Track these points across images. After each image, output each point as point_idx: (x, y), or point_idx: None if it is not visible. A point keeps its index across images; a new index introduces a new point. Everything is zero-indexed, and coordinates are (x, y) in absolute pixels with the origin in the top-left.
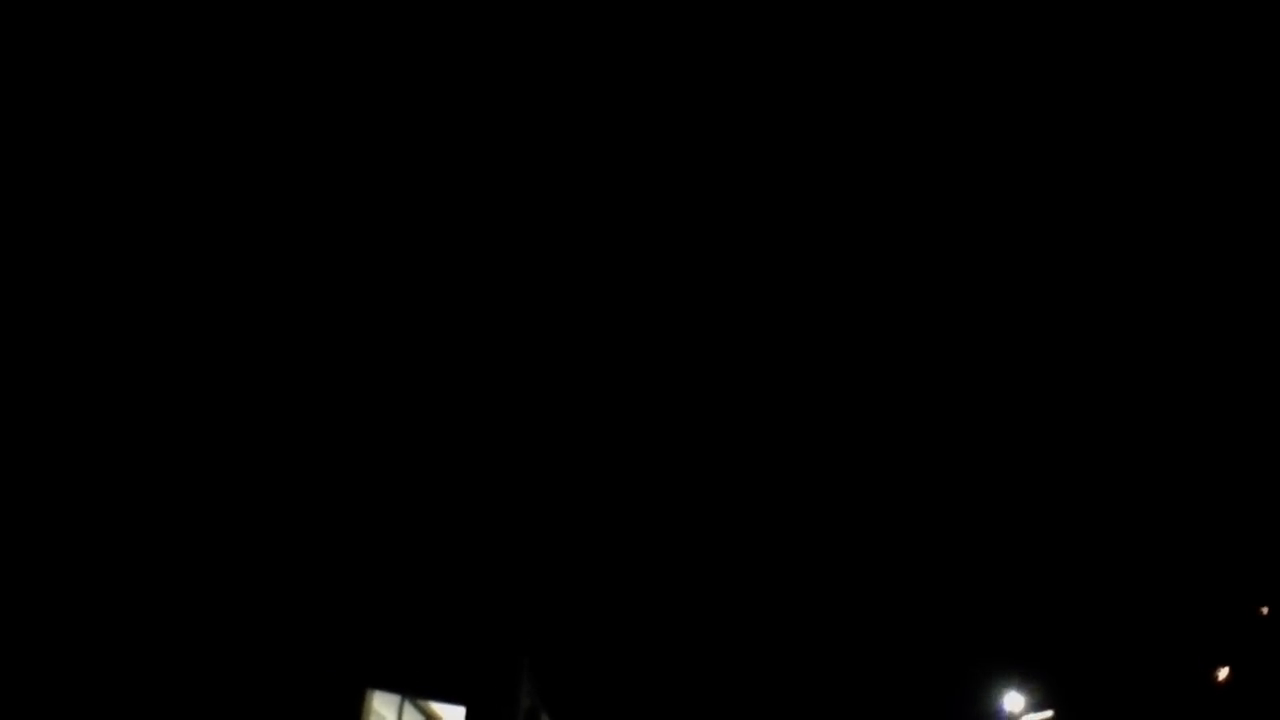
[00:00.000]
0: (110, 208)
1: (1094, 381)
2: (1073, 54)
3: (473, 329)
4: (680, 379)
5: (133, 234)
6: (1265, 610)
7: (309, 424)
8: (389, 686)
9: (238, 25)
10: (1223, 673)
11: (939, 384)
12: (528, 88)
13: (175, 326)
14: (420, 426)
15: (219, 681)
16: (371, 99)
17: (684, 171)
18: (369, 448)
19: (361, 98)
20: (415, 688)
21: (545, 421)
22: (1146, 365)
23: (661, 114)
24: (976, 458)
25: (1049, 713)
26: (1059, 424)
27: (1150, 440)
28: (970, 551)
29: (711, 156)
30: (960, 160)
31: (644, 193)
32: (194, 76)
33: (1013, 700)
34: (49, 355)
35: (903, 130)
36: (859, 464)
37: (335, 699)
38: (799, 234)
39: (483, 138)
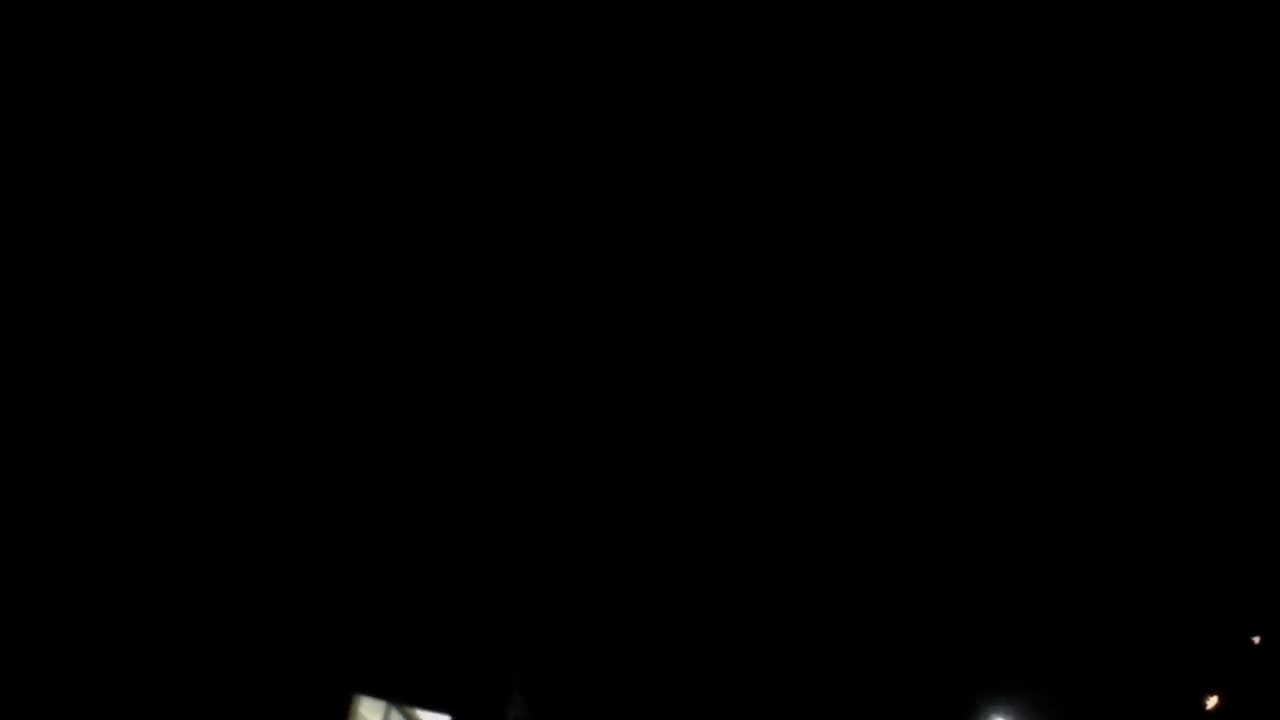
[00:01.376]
0: (108, 207)
1: (1086, 398)
2: (1073, 54)
3: (461, 331)
4: (671, 382)
5: (131, 233)
6: (1258, 639)
7: (296, 425)
8: (376, 693)
9: (237, 24)
10: (1212, 700)
11: (924, 394)
12: (527, 87)
13: (164, 325)
14: (412, 430)
15: (204, 684)
16: (371, 98)
17: (684, 170)
18: (359, 450)
19: (361, 96)
20: (402, 695)
21: (540, 426)
22: (1141, 379)
23: (661, 113)
24: (961, 476)
25: None
26: (1048, 441)
27: (1143, 461)
28: (954, 571)
29: (712, 156)
30: (960, 160)
31: (643, 192)
32: (193, 75)
33: None
34: (48, 355)
35: (903, 130)
36: (840, 479)
37: (322, 703)
38: (799, 233)
39: (483, 137)
